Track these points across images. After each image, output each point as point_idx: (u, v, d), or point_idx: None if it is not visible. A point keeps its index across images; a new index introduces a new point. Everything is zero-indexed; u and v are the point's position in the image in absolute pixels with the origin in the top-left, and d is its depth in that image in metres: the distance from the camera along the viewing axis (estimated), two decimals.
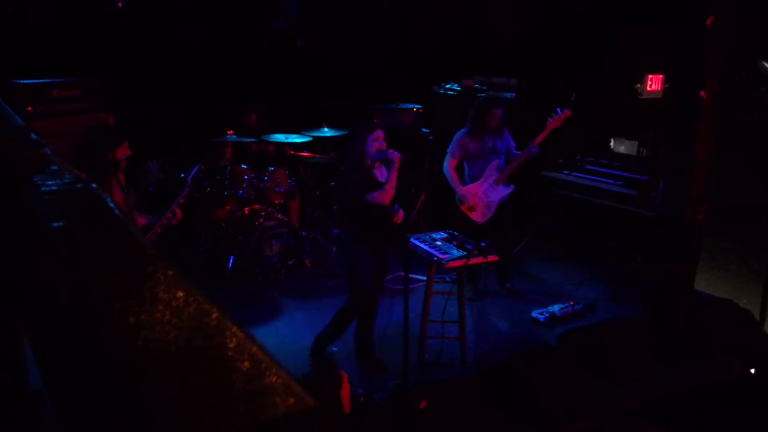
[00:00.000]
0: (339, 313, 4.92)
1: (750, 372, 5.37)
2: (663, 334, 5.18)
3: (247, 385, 1.04)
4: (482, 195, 5.98)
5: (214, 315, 1.00)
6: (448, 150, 6.10)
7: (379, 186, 4.65)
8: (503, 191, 6.00)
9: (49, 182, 1.16)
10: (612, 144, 7.78)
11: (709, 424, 4.87)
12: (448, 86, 7.77)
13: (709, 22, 5.12)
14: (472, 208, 5.99)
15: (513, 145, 6.06)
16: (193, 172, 4.77)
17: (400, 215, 4.80)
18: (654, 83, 7.08)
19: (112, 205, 1.07)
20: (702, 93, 5.29)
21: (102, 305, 0.98)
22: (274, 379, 1.07)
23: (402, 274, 4.67)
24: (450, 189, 6.12)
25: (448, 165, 6.04)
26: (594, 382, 4.66)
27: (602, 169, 6.95)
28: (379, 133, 4.72)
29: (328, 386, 3.81)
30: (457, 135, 6.05)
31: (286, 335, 5.28)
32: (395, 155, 4.63)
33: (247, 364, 1.10)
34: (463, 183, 6.07)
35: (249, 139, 6.93)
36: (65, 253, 1.06)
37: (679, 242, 5.52)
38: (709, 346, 5.18)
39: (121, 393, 0.98)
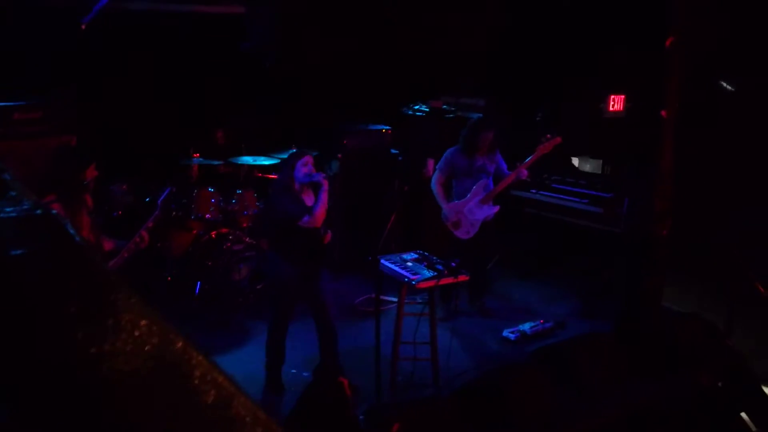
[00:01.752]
0: (267, 336, 4.95)
1: (717, 385, 5.42)
2: (632, 349, 5.21)
3: (214, 414, 1.02)
4: (467, 212, 6.03)
5: (179, 344, 0.97)
6: (437, 166, 6.15)
7: (308, 210, 4.71)
8: (488, 210, 6.05)
9: (8, 209, 1.13)
10: (577, 163, 7.88)
11: None
12: (416, 107, 7.82)
13: (668, 43, 5.24)
14: (456, 225, 6.04)
15: (504, 166, 6.13)
16: (164, 195, 4.70)
17: (328, 236, 4.90)
18: (616, 103, 7.22)
19: (72, 231, 1.04)
20: (663, 112, 5.40)
21: (63, 334, 0.95)
22: (240, 409, 1.05)
23: (373, 296, 4.65)
24: (423, 208, 6.16)
25: (436, 180, 6.11)
26: (565, 397, 4.67)
27: (568, 188, 7.04)
28: (309, 158, 4.84)
29: (331, 395, 3.76)
30: (448, 152, 6.13)
31: (256, 360, 5.20)
32: (320, 177, 4.74)
33: (213, 393, 1.07)
34: (450, 200, 6.09)
35: (216, 162, 6.86)
36: (25, 281, 1.03)
37: (645, 258, 5.59)
38: (677, 360, 5.23)
39: (85, 422, 0.94)
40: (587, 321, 6.15)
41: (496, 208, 6.08)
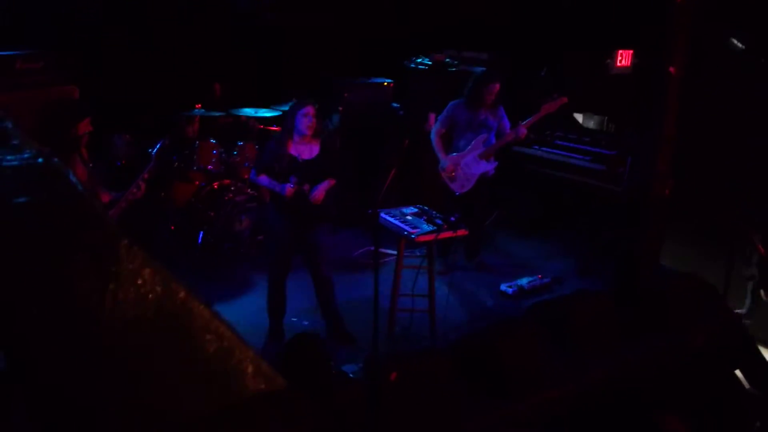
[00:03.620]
0: (267, 286, 5.02)
1: (713, 344, 5.51)
2: (628, 308, 5.28)
3: (215, 364, 1.05)
4: (464, 166, 6.03)
5: (181, 293, 1.00)
6: (438, 117, 6.15)
7: (290, 165, 4.73)
8: (486, 166, 6.05)
9: (10, 157, 1.15)
10: (581, 119, 7.84)
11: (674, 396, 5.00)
12: (419, 60, 7.74)
13: None
14: (452, 178, 6.06)
15: (507, 123, 6.10)
16: (158, 146, 4.72)
17: (288, 190, 4.79)
18: (624, 59, 7.14)
19: (74, 180, 1.06)
20: (671, 69, 5.35)
21: (65, 282, 0.98)
22: (242, 359, 1.08)
23: (372, 249, 4.70)
24: (423, 163, 6.16)
25: (436, 132, 6.11)
26: (560, 354, 4.74)
27: (571, 144, 7.02)
28: (310, 109, 4.78)
29: (306, 360, 3.84)
30: (451, 104, 6.11)
31: (258, 310, 5.29)
32: (288, 188, 4.72)
33: (215, 343, 1.11)
34: (449, 152, 6.10)
35: (218, 113, 6.85)
36: (28, 229, 1.05)
37: (645, 217, 5.61)
38: (673, 319, 5.29)
39: (86, 369, 0.98)
40: (584, 279, 6.22)
41: (494, 164, 6.08)
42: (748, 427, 5.40)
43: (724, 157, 6.68)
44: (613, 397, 4.64)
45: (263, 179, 4.84)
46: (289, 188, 4.75)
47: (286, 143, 4.83)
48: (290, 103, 6.69)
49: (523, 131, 5.90)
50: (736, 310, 5.90)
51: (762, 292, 5.58)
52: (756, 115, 6.50)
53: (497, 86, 5.94)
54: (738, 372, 5.55)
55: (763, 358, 5.59)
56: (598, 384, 4.66)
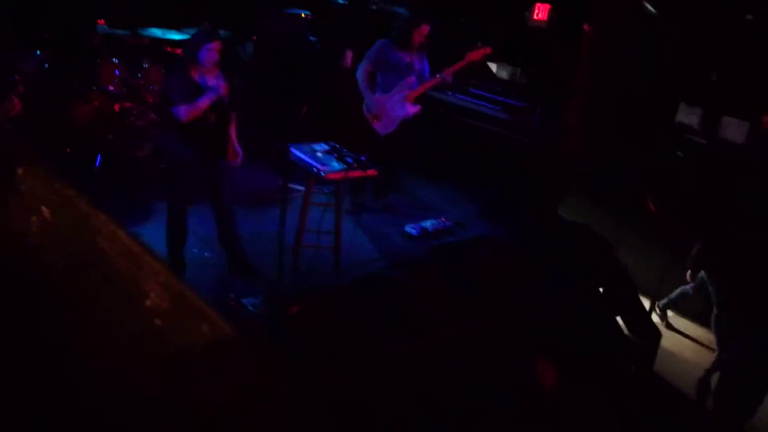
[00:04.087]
0: (167, 211, 4.86)
1: (599, 291, 5.84)
2: (526, 254, 5.51)
3: (120, 273, 1.03)
4: (389, 108, 6.03)
5: (83, 206, 0.98)
6: (365, 55, 6.07)
7: (193, 95, 4.53)
8: (410, 109, 6.07)
9: None
10: (495, 69, 7.96)
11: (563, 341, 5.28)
12: None
13: None
14: (377, 118, 6.05)
15: (428, 69, 6.09)
16: (29, 60, 4.38)
17: (237, 156, 4.72)
18: (541, 12, 7.25)
19: None
20: (585, 26, 5.49)
21: None
22: (151, 274, 1.06)
23: (280, 183, 4.66)
24: (338, 99, 6.09)
25: (363, 70, 6.04)
26: (459, 294, 4.92)
27: (484, 93, 7.14)
28: (216, 44, 4.57)
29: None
30: (379, 42, 6.03)
31: (158, 238, 5.16)
32: (220, 89, 4.53)
33: (122, 257, 1.08)
34: (374, 92, 6.07)
35: (122, 32, 6.51)
36: None
37: (549, 168, 5.83)
38: (568, 267, 5.57)
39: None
40: (486, 223, 6.40)
41: (417, 108, 6.10)
42: (624, 371, 5.79)
43: (628, 117, 6.98)
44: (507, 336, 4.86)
45: (183, 109, 4.55)
46: (223, 86, 4.56)
47: (189, 70, 4.61)
48: (200, 28, 6.49)
49: (448, 77, 5.95)
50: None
51: (687, 275, 5.90)
52: (658, 79, 6.79)
53: (427, 28, 5.92)
54: (619, 318, 5.93)
55: (643, 307, 5.99)
56: (494, 326, 4.86)
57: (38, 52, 4.47)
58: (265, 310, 4.18)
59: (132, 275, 1.06)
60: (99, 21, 6.38)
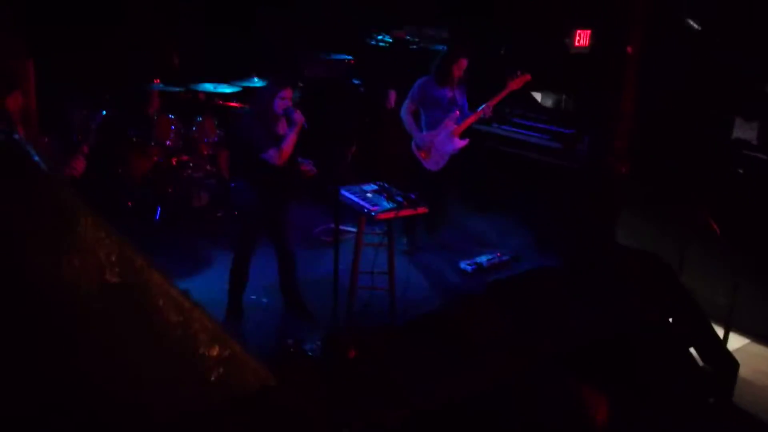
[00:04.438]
0: (232, 262, 4.99)
1: (668, 321, 5.68)
2: (584, 283, 5.41)
3: (173, 331, 1.09)
4: (438, 144, 6.08)
5: (139, 262, 1.04)
6: (408, 94, 6.16)
7: (278, 142, 4.70)
8: (458, 143, 6.11)
9: None
10: (540, 98, 7.95)
11: (629, 372, 5.15)
12: (380, 37, 7.75)
13: None
14: (428, 155, 6.10)
15: (466, 104, 6.14)
16: (98, 119, 4.56)
17: (308, 168, 4.91)
18: (582, 38, 7.23)
19: (36, 158, 1.09)
20: (629, 49, 5.46)
21: (21, 259, 1.00)
22: (200, 328, 1.12)
23: (332, 226, 4.74)
24: (383, 140, 6.17)
25: (407, 110, 6.12)
26: (518, 329, 4.85)
27: (530, 123, 7.13)
28: (288, 92, 4.78)
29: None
30: (419, 81, 6.11)
31: (215, 286, 5.28)
32: (299, 118, 4.70)
33: (173, 312, 1.14)
34: (420, 130, 6.15)
35: (176, 88, 6.78)
36: None
37: (602, 195, 5.75)
38: (628, 296, 5.44)
39: (49, 338, 1.01)
40: (542, 255, 6.32)
41: (465, 141, 6.14)
42: (702, 404, 5.59)
43: (681, 137, 6.86)
44: (563, 370, 4.77)
45: (273, 152, 4.70)
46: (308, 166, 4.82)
47: (265, 118, 4.77)
48: (254, 80, 6.70)
49: (489, 110, 5.99)
50: None
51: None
52: (710, 95, 6.67)
53: (465, 62, 5.97)
54: (692, 349, 5.74)
55: (717, 336, 5.77)
56: (549, 357, 4.78)
57: (104, 111, 4.67)
58: (324, 354, 4.21)
59: (183, 328, 1.13)
60: (155, 80, 6.66)
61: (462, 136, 6.14)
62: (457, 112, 6.05)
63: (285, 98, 4.76)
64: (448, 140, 6.08)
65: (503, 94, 5.96)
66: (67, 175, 4.25)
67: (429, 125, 6.14)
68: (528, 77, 5.95)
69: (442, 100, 6.05)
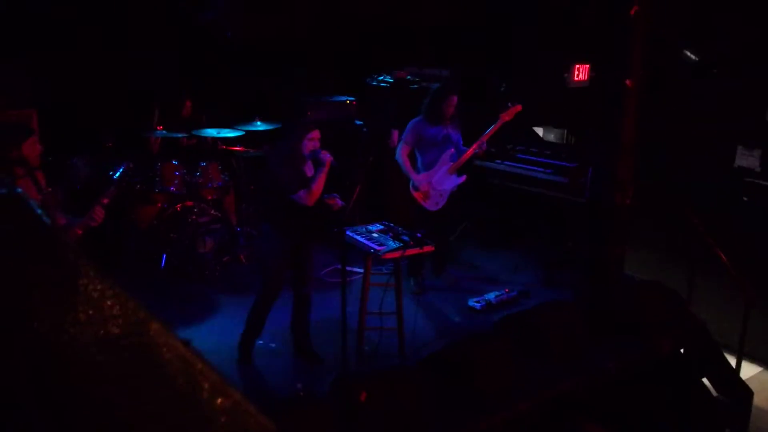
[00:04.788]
0: (252, 307, 4.93)
1: (679, 351, 5.60)
2: (595, 317, 5.36)
3: (179, 386, 1.06)
4: (436, 183, 6.07)
5: (141, 314, 1.01)
6: (401, 137, 6.15)
7: (307, 183, 4.68)
8: (456, 180, 6.11)
9: None
10: (541, 133, 7.98)
11: (638, 405, 5.07)
12: (380, 78, 7.82)
13: (633, 11, 5.31)
14: (426, 196, 6.08)
15: (461, 140, 6.15)
16: (120, 170, 4.61)
17: (334, 201, 4.84)
18: (581, 72, 7.29)
19: (39, 210, 1.06)
20: (628, 82, 5.48)
21: (23, 315, 0.98)
22: (204, 380, 1.09)
23: (339, 266, 4.71)
24: (387, 179, 6.17)
25: (402, 152, 6.11)
26: (530, 365, 4.80)
27: (533, 158, 7.14)
28: (316, 134, 4.76)
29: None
30: (412, 123, 6.12)
31: (225, 333, 5.24)
32: (327, 157, 4.70)
33: (176, 364, 1.11)
34: (417, 171, 6.14)
35: (179, 134, 6.82)
36: None
37: (607, 226, 5.72)
38: (639, 327, 5.38)
39: (54, 396, 0.98)
40: (551, 289, 6.29)
41: (463, 178, 6.15)
42: None
43: (680, 163, 6.86)
44: (577, 406, 4.69)
45: (304, 192, 4.69)
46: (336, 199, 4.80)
47: (294, 160, 4.75)
48: (257, 123, 6.74)
49: (483, 144, 5.99)
50: None
51: None
52: (708, 123, 6.68)
53: (455, 98, 5.99)
54: (705, 380, 5.64)
55: (729, 365, 5.69)
56: (567, 392, 4.70)
57: (124, 165, 4.63)
58: (334, 397, 4.15)
59: (186, 379, 1.10)
60: (158, 127, 6.71)
61: (459, 173, 6.13)
62: (452, 150, 6.06)
63: (313, 139, 4.74)
64: (445, 178, 6.07)
65: (496, 127, 5.96)
66: (85, 225, 4.24)
67: (426, 165, 6.12)
68: (519, 107, 5.95)
69: (437, 138, 6.05)
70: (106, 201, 4.35)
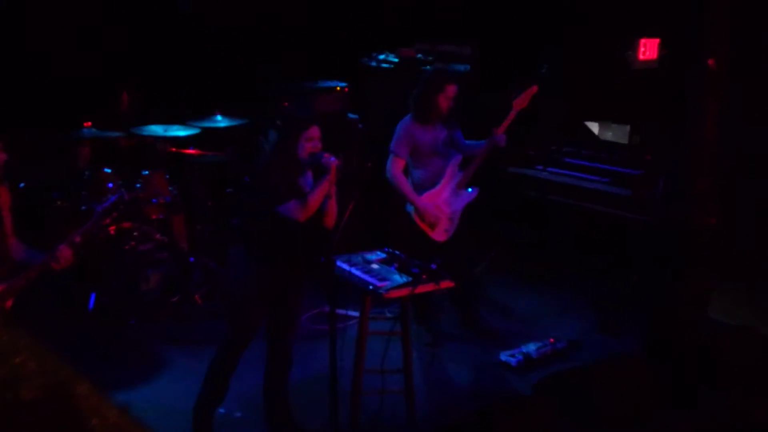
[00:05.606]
0: (212, 362, 4.88)
1: None
2: (668, 374, 5.35)
3: None
4: (443, 204, 6.02)
5: (63, 373, 1.02)
6: (391, 148, 6.06)
7: (300, 193, 4.66)
8: (468, 197, 6.08)
9: None
10: (597, 129, 8.00)
11: None
12: (382, 57, 7.86)
13: None
14: (433, 225, 6.01)
15: (465, 143, 6.13)
16: (110, 201, 4.53)
17: (329, 159, 4.70)
18: (649, 49, 7.32)
19: None
20: (710, 61, 5.50)
21: None
22: None
23: (327, 309, 4.70)
24: (390, 192, 6.14)
25: (395, 168, 6.01)
26: None
27: (585, 163, 7.16)
28: (315, 131, 4.70)
29: None
30: (401, 126, 6.03)
31: (175, 396, 5.23)
32: (332, 161, 4.62)
33: None
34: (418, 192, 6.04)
35: (114, 133, 6.84)
36: None
37: (684, 254, 5.72)
38: (726, 387, 5.38)
39: None
40: (609, 338, 6.29)
41: (476, 192, 6.10)
42: None
43: None
44: None
45: (294, 205, 4.62)
46: (333, 162, 4.65)
47: (287, 164, 4.71)
48: (217, 118, 6.78)
49: (502, 138, 5.93)
50: None
51: None
52: None
53: (453, 88, 5.94)
54: None
55: None
56: None
57: (125, 194, 4.59)
58: None
59: None
60: (85, 123, 6.71)
61: (471, 185, 6.10)
62: (458, 156, 6.03)
63: (312, 139, 4.67)
64: (455, 197, 6.04)
65: (511, 116, 5.91)
66: (44, 267, 4.24)
67: (425, 182, 6.04)
68: (534, 89, 5.92)
69: (436, 143, 5.99)
70: (78, 239, 4.31)
